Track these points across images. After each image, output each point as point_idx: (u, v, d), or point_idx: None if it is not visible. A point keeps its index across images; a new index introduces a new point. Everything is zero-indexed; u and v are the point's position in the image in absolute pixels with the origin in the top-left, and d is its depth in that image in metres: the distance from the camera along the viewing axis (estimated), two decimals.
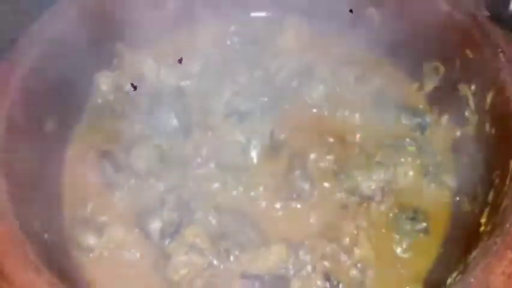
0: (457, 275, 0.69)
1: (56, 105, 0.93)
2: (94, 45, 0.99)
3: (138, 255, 0.86)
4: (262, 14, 1.15)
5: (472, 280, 0.63)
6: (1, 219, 0.71)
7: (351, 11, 1.06)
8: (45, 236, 0.79)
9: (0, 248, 0.69)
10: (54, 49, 0.92)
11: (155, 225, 0.85)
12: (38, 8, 0.93)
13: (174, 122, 0.96)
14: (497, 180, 0.78)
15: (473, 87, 0.90)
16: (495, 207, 0.75)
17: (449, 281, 0.70)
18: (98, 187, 0.92)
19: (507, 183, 0.74)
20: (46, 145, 0.91)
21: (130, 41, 1.05)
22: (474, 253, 0.69)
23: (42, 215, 0.82)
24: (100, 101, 1.00)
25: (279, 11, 1.13)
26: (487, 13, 0.91)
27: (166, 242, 0.84)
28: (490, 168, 0.82)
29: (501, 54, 0.84)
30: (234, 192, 0.91)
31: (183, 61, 1.05)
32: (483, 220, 0.77)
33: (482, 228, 0.75)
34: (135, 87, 0.97)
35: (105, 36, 1.01)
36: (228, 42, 1.10)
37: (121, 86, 1.00)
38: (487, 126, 0.86)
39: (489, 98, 0.86)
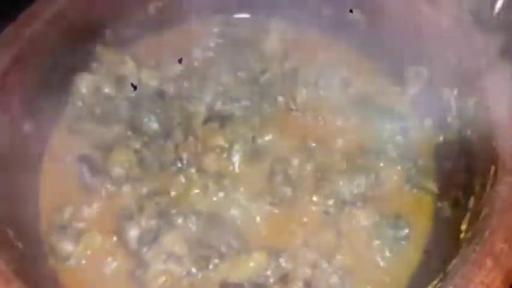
0: (437, 283, 0.68)
1: (33, 107, 0.91)
2: (73, 47, 0.97)
3: (116, 263, 0.84)
4: (246, 15, 1.13)
5: None
6: None
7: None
8: (19, 244, 0.77)
9: None
10: (31, 50, 0.90)
11: (133, 233, 0.84)
12: (15, 9, 0.90)
13: (154, 125, 0.94)
14: (477, 187, 0.78)
15: (455, 91, 0.90)
16: (475, 214, 0.74)
17: None
18: (75, 192, 0.90)
19: (487, 190, 0.74)
20: (23, 148, 0.89)
21: (110, 43, 1.03)
22: (454, 261, 0.68)
23: (17, 222, 0.80)
24: (79, 103, 0.98)
25: (263, 13, 1.12)
26: (469, 17, 0.90)
27: (144, 250, 0.83)
28: (471, 175, 0.82)
29: (483, 59, 0.84)
30: (215, 198, 0.89)
31: (165, 63, 1.03)
32: (463, 227, 0.76)
33: (462, 235, 0.75)
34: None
35: (84, 38, 1.00)
36: (212, 44, 1.09)
37: (100, 88, 0.98)
38: (469, 132, 0.86)
39: (471, 103, 0.85)
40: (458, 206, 0.84)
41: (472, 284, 0.62)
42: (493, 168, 0.75)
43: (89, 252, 0.85)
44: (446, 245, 0.79)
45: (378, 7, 1.00)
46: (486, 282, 0.62)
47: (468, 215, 0.77)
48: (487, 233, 0.68)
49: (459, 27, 0.90)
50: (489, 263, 0.64)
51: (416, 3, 0.94)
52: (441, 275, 0.70)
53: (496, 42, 0.85)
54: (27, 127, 0.91)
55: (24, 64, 0.90)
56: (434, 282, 0.70)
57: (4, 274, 0.64)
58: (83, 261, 0.84)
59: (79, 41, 0.99)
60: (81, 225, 0.87)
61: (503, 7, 0.89)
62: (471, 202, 0.79)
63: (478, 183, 0.78)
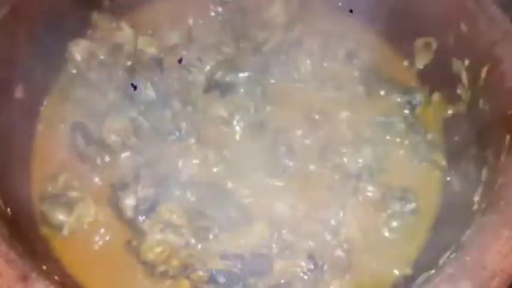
0: (451, 254, 0.65)
1: (25, 73, 0.87)
2: (68, 12, 0.93)
3: (110, 233, 0.81)
4: None
5: (467, 259, 0.59)
6: None
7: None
8: (8, 211, 0.73)
9: None
10: (24, 12, 0.86)
11: (129, 202, 0.80)
12: None
13: (151, 93, 0.90)
14: (490, 158, 0.75)
15: (466, 62, 0.86)
16: (489, 185, 0.71)
17: (441, 261, 0.66)
18: (69, 161, 0.86)
19: (502, 159, 0.71)
20: (15, 115, 0.85)
21: (107, 10, 0.99)
22: (468, 232, 0.65)
23: (8, 188, 0.76)
24: (73, 70, 0.93)
25: None
26: None
27: (141, 220, 0.79)
28: (483, 146, 0.79)
29: (496, 27, 0.80)
30: (215, 169, 0.86)
31: (163, 31, 0.99)
32: (476, 199, 0.73)
33: (475, 207, 0.72)
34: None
35: (80, 3, 0.95)
36: (212, 14, 1.05)
37: (96, 55, 0.94)
38: (481, 103, 0.82)
39: (483, 73, 0.82)
40: (468, 179, 0.80)
41: (489, 254, 0.60)
42: (508, 137, 0.72)
43: (82, 222, 0.81)
44: (456, 219, 0.77)
45: None
46: (503, 252, 0.59)
47: (481, 187, 0.74)
48: (502, 203, 0.65)
49: None
50: (506, 232, 0.61)
51: None
52: (453, 247, 0.66)
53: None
54: (18, 93, 0.86)
55: (15, 25, 0.85)
56: (447, 254, 0.66)
57: None
58: (77, 231, 0.81)
59: (74, 6, 0.94)
60: (75, 194, 0.83)
61: None
62: (483, 174, 0.75)
63: (491, 154, 0.76)
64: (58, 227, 0.81)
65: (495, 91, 0.79)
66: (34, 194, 0.84)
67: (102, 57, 0.94)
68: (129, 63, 0.94)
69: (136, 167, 0.84)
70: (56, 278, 0.66)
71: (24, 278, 0.56)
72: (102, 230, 0.81)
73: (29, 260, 0.60)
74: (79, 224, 0.81)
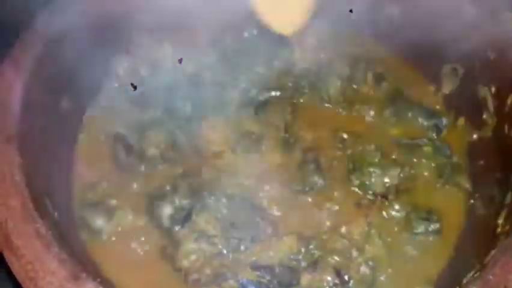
0: (474, 274, 0.68)
1: (71, 85, 0.92)
2: (112, 29, 0.98)
3: (146, 241, 0.84)
4: None
5: (491, 277, 0.61)
6: (14, 193, 0.70)
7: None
8: (56, 215, 0.78)
9: (11, 222, 0.67)
10: (71, 31, 0.91)
11: (166, 211, 0.84)
12: None
13: (188, 109, 0.95)
14: None
15: (493, 89, 0.89)
16: None
17: (465, 280, 0.68)
18: (109, 170, 0.91)
19: None
20: (60, 124, 0.90)
21: (148, 27, 1.04)
22: (492, 252, 0.67)
23: (54, 193, 0.81)
24: (116, 84, 0.99)
25: None
26: (510, 14, 0.90)
27: (176, 229, 0.83)
28: (508, 170, 0.81)
29: None
30: (246, 183, 0.89)
31: (200, 51, 1.04)
32: (500, 221, 0.75)
33: (499, 230, 0.74)
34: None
35: (123, 21, 1.00)
36: (246, 34, 1.10)
37: (137, 70, 0.99)
38: (506, 129, 0.85)
39: (510, 100, 0.85)
40: (492, 202, 0.83)
41: None
42: None
43: (120, 229, 0.86)
44: (479, 241, 0.79)
45: (416, 2, 1.00)
46: None
47: (505, 210, 0.76)
48: None
49: (499, 24, 0.89)
50: None
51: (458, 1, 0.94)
52: (478, 267, 0.69)
53: None
54: (64, 104, 0.92)
55: (63, 43, 0.91)
56: (471, 273, 0.69)
57: (45, 238, 0.65)
58: (114, 238, 0.85)
59: (118, 25, 0.99)
60: (114, 202, 0.88)
61: None
62: (508, 197, 0.78)
63: None
64: (97, 233, 0.85)
65: None
66: (75, 200, 0.89)
67: (143, 72, 1.00)
68: (169, 79, 0.99)
69: (173, 178, 0.88)
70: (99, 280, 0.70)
71: (76, 278, 0.60)
72: (139, 237, 0.84)
73: (79, 261, 0.64)
74: (117, 230, 0.85)
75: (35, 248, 0.64)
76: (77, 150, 0.94)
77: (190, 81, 0.99)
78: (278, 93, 1.00)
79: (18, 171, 0.71)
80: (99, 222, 0.86)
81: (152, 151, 0.90)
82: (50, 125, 0.87)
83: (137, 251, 0.84)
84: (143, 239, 0.85)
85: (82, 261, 0.74)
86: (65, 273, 0.61)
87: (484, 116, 0.91)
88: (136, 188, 0.89)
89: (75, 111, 0.95)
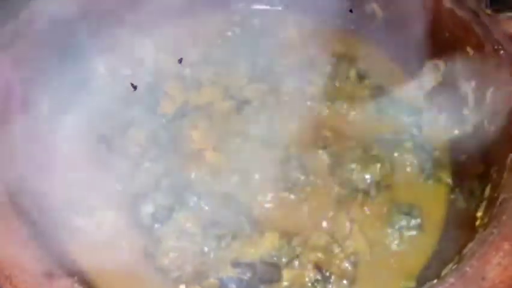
0: (453, 265, 0.68)
1: (52, 85, 0.92)
2: (94, 28, 0.98)
3: (128, 239, 0.84)
4: (265, 7, 1.15)
5: (468, 269, 0.61)
6: None
7: (351, 10, 1.06)
8: (35, 214, 0.77)
9: None
10: (52, 29, 0.91)
11: (147, 209, 0.84)
12: None
13: (171, 106, 0.95)
14: (494, 175, 0.78)
15: (473, 83, 0.90)
16: (492, 201, 0.74)
17: (443, 272, 0.69)
18: (90, 168, 0.90)
19: (504, 177, 0.73)
20: (41, 124, 0.89)
21: (131, 26, 1.04)
22: (470, 244, 0.68)
23: (33, 192, 0.80)
24: (97, 83, 0.98)
25: (281, 4, 1.13)
26: (488, 11, 0.90)
27: (156, 226, 0.83)
28: (488, 164, 0.81)
29: (502, 51, 0.84)
30: (229, 181, 0.89)
31: (183, 51, 1.04)
32: (479, 214, 0.76)
33: (478, 222, 0.75)
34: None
35: (105, 20, 1.01)
36: (229, 34, 1.10)
37: (118, 69, 0.99)
38: (486, 123, 0.86)
39: (489, 94, 0.85)
40: (472, 196, 0.83)
41: (489, 265, 0.62)
42: (510, 156, 0.75)
43: (101, 229, 0.85)
44: (460, 234, 0.79)
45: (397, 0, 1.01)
46: (504, 264, 0.62)
47: (484, 203, 0.77)
48: (504, 217, 0.67)
49: (477, 20, 0.90)
50: (506, 245, 0.64)
51: None
52: (456, 259, 0.69)
53: None
54: (45, 104, 0.91)
55: (44, 42, 0.91)
56: (450, 265, 0.69)
57: (20, 235, 0.64)
58: (95, 237, 0.84)
59: (100, 24, 0.99)
60: (94, 201, 0.87)
61: None
62: (487, 191, 0.78)
63: (495, 172, 0.78)
64: (78, 232, 0.85)
65: (499, 112, 0.82)
66: (56, 200, 0.88)
67: (125, 71, 1.00)
68: (150, 78, 0.99)
69: (155, 177, 0.88)
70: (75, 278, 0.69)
71: (51, 275, 0.60)
72: (120, 236, 0.84)
73: (56, 259, 0.64)
74: (98, 229, 0.85)
75: (9, 246, 0.64)
76: (58, 150, 0.94)
77: (172, 79, 0.99)
78: (260, 91, 1.00)
79: None
80: (80, 221, 0.85)
81: (134, 149, 0.90)
82: (31, 124, 0.87)
83: (118, 250, 0.83)
84: (124, 237, 0.84)
85: (60, 260, 0.75)
86: (40, 270, 0.61)
87: (465, 112, 0.92)
88: (117, 187, 0.88)
89: (56, 110, 0.94)
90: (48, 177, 0.89)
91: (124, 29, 1.02)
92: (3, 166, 0.73)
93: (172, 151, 0.92)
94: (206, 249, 0.81)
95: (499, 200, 0.71)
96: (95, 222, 0.85)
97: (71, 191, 0.88)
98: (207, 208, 0.85)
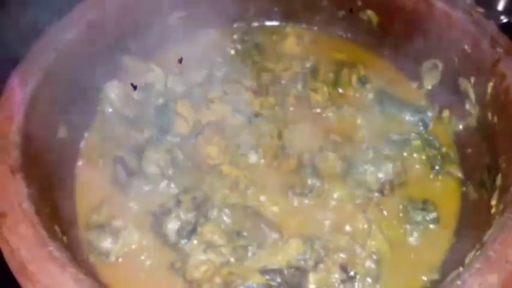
0: (475, 253, 0.71)
1: (67, 113, 0.94)
2: (103, 55, 1.01)
3: (154, 257, 0.86)
4: (264, 23, 1.18)
5: (491, 253, 0.64)
6: (23, 221, 0.71)
7: (351, 10, 1.10)
8: (64, 239, 0.79)
9: (24, 249, 0.69)
10: (63, 59, 0.94)
11: (172, 226, 0.86)
12: (48, 19, 0.95)
13: (184, 126, 0.97)
14: (503, 165, 0.81)
15: (472, 79, 0.93)
16: (504, 189, 0.77)
17: (467, 260, 0.71)
18: (111, 192, 0.92)
19: None
20: (59, 153, 0.92)
21: (135, 52, 1.07)
22: (489, 231, 0.71)
23: (60, 219, 0.82)
24: (109, 109, 1.01)
25: (280, 19, 1.17)
26: (481, 10, 0.95)
27: (183, 242, 0.85)
28: (495, 155, 0.85)
29: (498, 47, 0.88)
30: (247, 191, 0.92)
31: (189, 70, 1.07)
32: (493, 203, 0.79)
33: (493, 210, 0.77)
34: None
35: (113, 47, 1.03)
36: (232, 52, 1.13)
37: (129, 94, 1.01)
38: (489, 116, 0.89)
39: (489, 88, 0.89)
40: (484, 186, 0.87)
41: (511, 249, 0.65)
42: None
43: (127, 249, 0.87)
44: (476, 223, 0.82)
45: (393, 6, 1.04)
46: None
47: (497, 192, 0.80)
48: None
49: (472, 19, 0.94)
50: None
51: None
52: (478, 246, 0.72)
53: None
54: (61, 132, 0.94)
55: (56, 73, 0.93)
56: (472, 253, 0.72)
57: (59, 260, 0.66)
58: (122, 258, 0.86)
59: (109, 51, 1.02)
60: (118, 223, 0.89)
61: None
62: (498, 180, 0.81)
63: (504, 161, 0.82)
64: (105, 254, 0.86)
65: (502, 104, 0.86)
66: (81, 224, 0.90)
67: (136, 96, 1.02)
68: (161, 100, 1.02)
69: (176, 194, 0.90)
70: None
71: None
72: (147, 255, 0.86)
73: (94, 280, 0.66)
74: (124, 250, 0.87)
75: (50, 272, 0.66)
76: (78, 176, 0.96)
77: (182, 99, 1.01)
78: (268, 104, 1.03)
79: (25, 200, 0.73)
80: (106, 244, 0.87)
81: (152, 169, 0.92)
82: (50, 154, 0.89)
83: (146, 268, 0.85)
84: (150, 256, 0.86)
85: (92, 284, 0.76)
86: None
87: (467, 106, 0.96)
88: (139, 207, 0.90)
89: (72, 139, 0.97)
90: (73, 203, 0.92)
91: (131, 56, 1.05)
92: (32, 195, 0.75)
93: (189, 168, 0.94)
94: (233, 259, 0.83)
95: None
96: (121, 244, 0.87)
97: (94, 214, 0.91)
98: (229, 220, 0.87)
